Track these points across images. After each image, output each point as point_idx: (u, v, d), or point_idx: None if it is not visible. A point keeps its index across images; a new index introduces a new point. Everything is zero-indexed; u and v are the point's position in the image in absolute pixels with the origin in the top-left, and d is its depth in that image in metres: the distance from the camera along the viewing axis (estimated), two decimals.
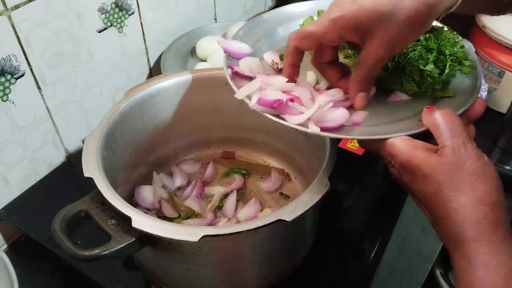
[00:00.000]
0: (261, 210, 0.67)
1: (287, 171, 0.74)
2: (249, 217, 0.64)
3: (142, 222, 0.45)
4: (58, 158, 0.81)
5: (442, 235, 0.43)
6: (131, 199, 0.67)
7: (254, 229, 0.45)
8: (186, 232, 0.44)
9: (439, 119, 0.44)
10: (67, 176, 0.80)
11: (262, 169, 0.75)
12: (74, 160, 0.82)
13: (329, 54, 0.52)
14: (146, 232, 0.45)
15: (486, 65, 1.03)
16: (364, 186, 0.78)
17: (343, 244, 0.72)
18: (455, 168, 0.41)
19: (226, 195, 0.69)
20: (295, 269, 0.61)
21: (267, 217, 0.46)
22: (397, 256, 1.24)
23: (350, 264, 0.76)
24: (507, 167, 0.95)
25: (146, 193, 0.66)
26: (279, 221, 0.46)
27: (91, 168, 0.51)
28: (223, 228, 0.45)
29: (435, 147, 0.44)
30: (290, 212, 0.46)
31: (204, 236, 0.44)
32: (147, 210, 0.66)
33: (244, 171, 0.74)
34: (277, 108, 0.48)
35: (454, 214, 0.41)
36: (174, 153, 0.75)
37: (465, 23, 1.13)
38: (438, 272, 1.39)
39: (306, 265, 0.63)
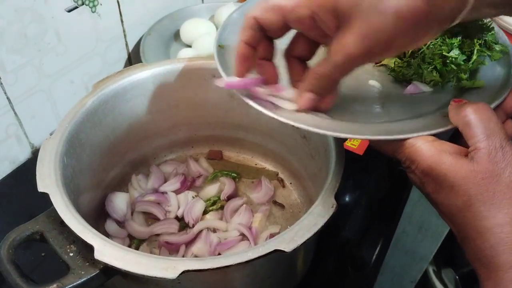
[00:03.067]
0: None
1: (281, 176, 0.66)
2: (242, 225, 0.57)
3: (108, 252, 0.37)
4: (22, 155, 0.74)
5: (470, 257, 0.36)
6: (103, 208, 0.59)
7: (246, 262, 0.36)
8: (162, 266, 0.36)
9: (471, 115, 0.36)
10: (33, 174, 0.72)
11: (253, 172, 0.67)
12: None
13: (303, 45, 0.42)
14: (112, 266, 0.36)
15: None
16: (364, 190, 0.71)
17: (342, 257, 0.65)
18: (491, 178, 0.34)
19: (213, 202, 0.61)
20: None
21: (262, 247, 0.37)
22: (389, 254, 1.20)
23: (350, 277, 0.70)
24: None
25: (119, 202, 0.57)
26: (276, 251, 0.37)
27: (47, 180, 0.42)
28: (208, 261, 0.37)
29: (466, 150, 0.36)
30: (289, 240, 0.38)
31: (184, 272, 0.36)
32: (118, 222, 0.57)
33: (234, 174, 0.66)
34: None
35: (487, 234, 0.34)
36: (153, 154, 0.67)
37: None
38: (430, 270, 1.36)
39: (304, 281, 0.55)
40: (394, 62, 0.48)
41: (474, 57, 0.46)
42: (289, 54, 0.44)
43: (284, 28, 0.40)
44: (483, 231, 0.34)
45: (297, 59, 0.43)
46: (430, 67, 0.46)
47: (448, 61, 0.45)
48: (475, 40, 0.46)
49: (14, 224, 0.44)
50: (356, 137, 0.39)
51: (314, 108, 0.41)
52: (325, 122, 0.42)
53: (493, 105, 0.40)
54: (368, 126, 0.42)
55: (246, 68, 0.42)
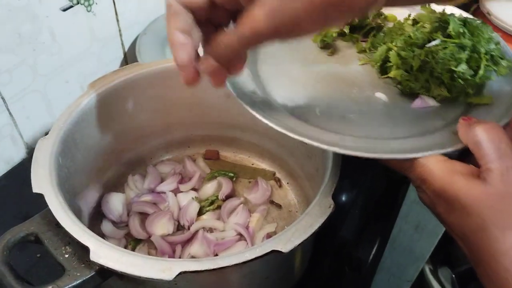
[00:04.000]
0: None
1: (278, 176, 0.65)
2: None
3: (103, 254, 0.37)
4: (17, 155, 0.73)
5: (484, 280, 0.35)
6: (99, 208, 0.58)
7: (243, 263, 0.36)
8: (159, 268, 0.36)
9: (481, 135, 0.36)
10: (28, 175, 0.72)
11: (250, 172, 0.66)
12: None
13: (223, 14, 0.39)
14: (108, 268, 0.36)
15: None
16: (360, 190, 0.71)
17: (339, 257, 0.65)
18: (505, 200, 0.34)
19: (211, 202, 0.61)
20: None
21: (259, 248, 0.37)
22: (386, 253, 1.20)
23: (347, 277, 0.70)
24: None
25: (115, 203, 0.57)
26: (273, 252, 0.37)
27: (42, 181, 0.42)
28: (205, 262, 0.36)
29: (478, 170, 0.36)
30: (287, 241, 0.38)
31: (181, 273, 0.35)
32: (114, 223, 0.57)
33: (232, 174, 0.65)
34: None
35: (501, 258, 0.34)
36: (150, 154, 0.66)
37: (464, 8, 1.06)
38: (427, 269, 1.36)
39: (301, 282, 0.55)
40: (401, 74, 0.48)
41: (481, 72, 0.45)
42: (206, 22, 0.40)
43: (209, 7, 0.37)
44: (498, 254, 0.34)
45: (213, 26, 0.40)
46: (438, 82, 0.46)
47: (455, 75, 0.45)
48: (483, 55, 0.45)
49: (8, 225, 0.44)
50: (366, 155, 0.39)
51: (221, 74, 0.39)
52: (333, 137, 0.41)
53: (501, 123, 0.40)
54: (377, 143, 0.41)
55: (189, 55, 0.38)
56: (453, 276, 1.27)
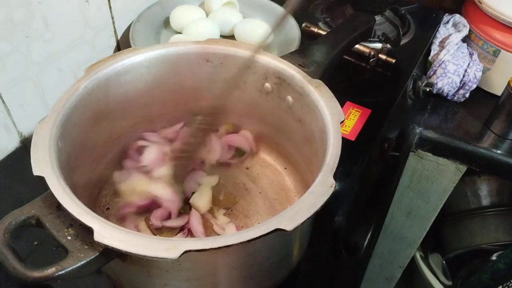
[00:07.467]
0: None
1: (276, 161, 0.66)
2: None
3: (107, 234, 0.36)
4: (10, 144, 0.72)
5: None
6: (97, 193, 0.58)
7: (247, 241, 0.36)
8: (163, 247, 0.36)
9: None
10: (22, 164, 0.71)
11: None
12: (30, 145, 0.72)
13: None
14: (113, 248, 0.36)
15: (480, 43, 0.98)
16: (355, 177, 0.71)
17: (336, 242, 0.65)
18: None
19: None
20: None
21: (263, 226, 0.37)
22: (379, 240, 1.21)
23: (343, 260, 0.71)
24: (499, 151, 0.91)
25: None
26: (277, 230, 0.38)
27: (43, 164, 0.41)
28: (209, 240, 0.36)
29: None
30: (290, 219, 0.38)
31: (185, 252, 0.35)
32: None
33: None
34: None
35: None
36: None
37: None
38: (418, 255, 1.37)
39: (299, 266, 0.56)
40: None
41: None
42: None
43: None
44: None
45: None
46: None
47: None
48: None
49: (2, 214, 0.43)
50: None
51: None
52: None
53: None
54: None
55: None
56: (444, 262, 1.29)
